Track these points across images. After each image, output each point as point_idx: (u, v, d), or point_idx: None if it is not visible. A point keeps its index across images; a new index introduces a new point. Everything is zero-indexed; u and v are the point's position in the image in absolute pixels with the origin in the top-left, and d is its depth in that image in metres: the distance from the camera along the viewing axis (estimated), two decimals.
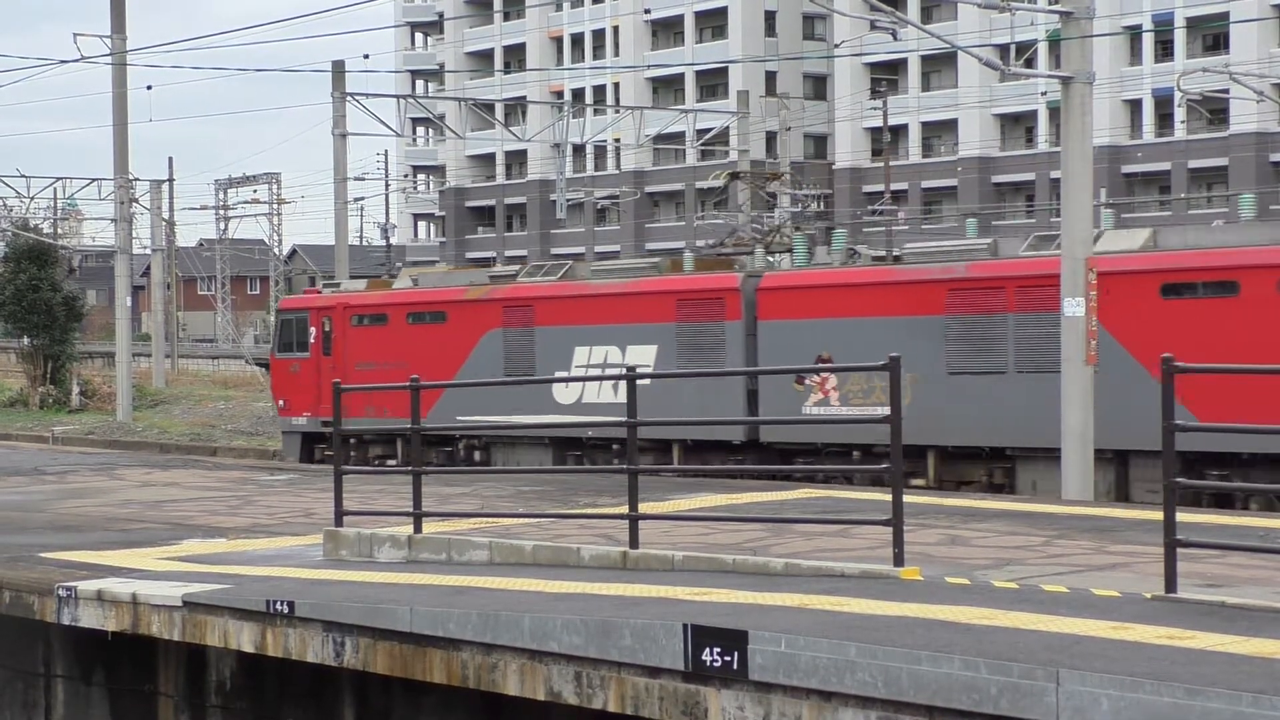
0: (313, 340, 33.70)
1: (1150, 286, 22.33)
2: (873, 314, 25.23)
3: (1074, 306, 20.44)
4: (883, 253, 27.19)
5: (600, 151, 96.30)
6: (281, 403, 34.72)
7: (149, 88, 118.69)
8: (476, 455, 30.71)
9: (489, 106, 69.64)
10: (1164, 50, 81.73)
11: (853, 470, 23.98)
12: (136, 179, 49.95)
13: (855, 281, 25.71)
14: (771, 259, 28.50)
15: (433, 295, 32.03)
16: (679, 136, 72.86)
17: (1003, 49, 57.29)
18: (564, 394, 28.93)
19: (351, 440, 31.87)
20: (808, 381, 25.74)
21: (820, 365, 24.37)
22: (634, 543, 12.60)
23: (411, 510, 14.19)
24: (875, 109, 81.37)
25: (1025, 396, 23.16)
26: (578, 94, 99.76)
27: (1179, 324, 21.90)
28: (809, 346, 25.69)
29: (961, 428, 24.17)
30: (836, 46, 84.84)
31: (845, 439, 24.91)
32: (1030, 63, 31.07)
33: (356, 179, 78.13)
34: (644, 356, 27.79)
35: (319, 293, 35.38)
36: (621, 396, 26.40)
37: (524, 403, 29.37)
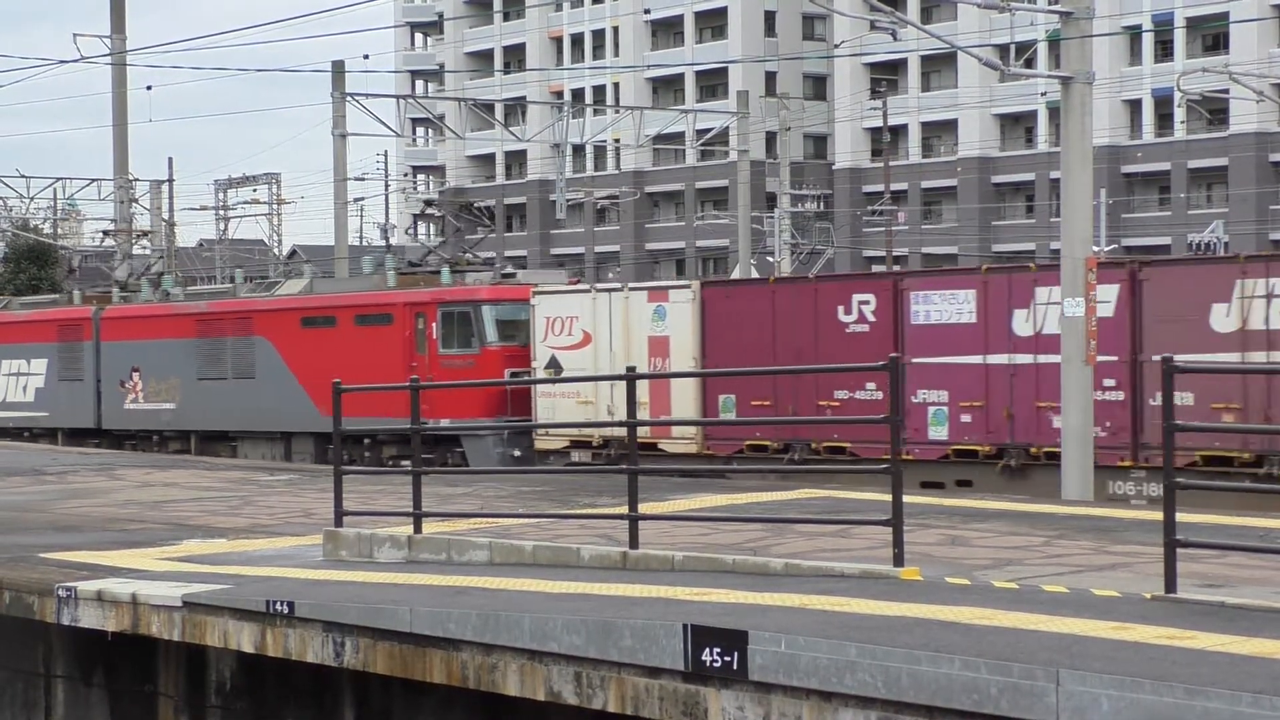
0: None
1: (296, 320, 32.81)
2: (162, 337, 35.26)
3: (1074, 306, 20.30)
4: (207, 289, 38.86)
5: (600, 152, 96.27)
6: None
7: (149, 88, 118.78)
8: None
9: (489, 107, 69.60)
10: (1164, 50, 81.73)
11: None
12: (136, 179, 49.89)
13: (150, 314, 36.18)
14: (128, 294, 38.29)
15: None
16: (679, 137, 72.82)
17: (1002, 49, 57.08)
18: None
19: None
20: (125, 385, 36.03)
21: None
22: (634, 543, 12.59)
23: (411, 510, 14.19)
24: (875, 109, 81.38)
25: (238, 396, 33.40)
26: (577, 94, 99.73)
27: (311, 346, 32.18)
28: (128, 361, 35.82)
29: (206, 419, 34.38)
30: (836, 46, 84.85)
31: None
32: (1030, 63, 31.01)
33: (356, 179, 78.01)
34: (41, 366, 38.36)
35: None
36: (28, 395, 38.58)
37: None
